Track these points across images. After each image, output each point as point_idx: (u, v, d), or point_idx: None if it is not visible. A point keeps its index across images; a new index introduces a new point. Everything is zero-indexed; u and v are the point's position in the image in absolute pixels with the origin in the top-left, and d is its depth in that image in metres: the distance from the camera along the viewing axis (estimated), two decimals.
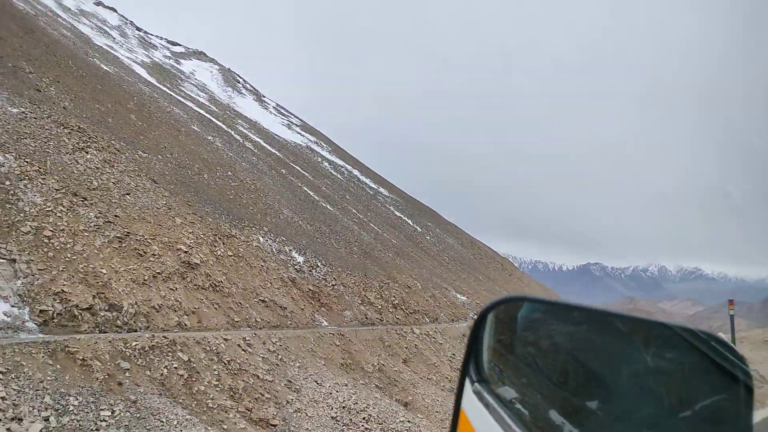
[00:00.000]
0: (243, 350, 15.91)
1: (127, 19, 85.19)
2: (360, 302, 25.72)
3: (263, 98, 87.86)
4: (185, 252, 17.61)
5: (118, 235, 15.76)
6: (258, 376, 15.30)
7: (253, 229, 24.18)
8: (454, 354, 27.09)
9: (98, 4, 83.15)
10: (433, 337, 27.26)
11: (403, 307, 28.34)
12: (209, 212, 22.29)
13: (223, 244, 20.35)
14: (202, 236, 19.41)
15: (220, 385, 13.76)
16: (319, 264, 25.63)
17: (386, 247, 40.44)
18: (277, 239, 25.06)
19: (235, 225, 22.88)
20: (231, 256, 20.20)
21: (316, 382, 17.12)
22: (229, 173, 31.68)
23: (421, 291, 32.95)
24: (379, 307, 26.39)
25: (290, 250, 24.94)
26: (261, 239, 23.95)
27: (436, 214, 79.88)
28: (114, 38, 66.35)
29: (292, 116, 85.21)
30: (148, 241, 16.57)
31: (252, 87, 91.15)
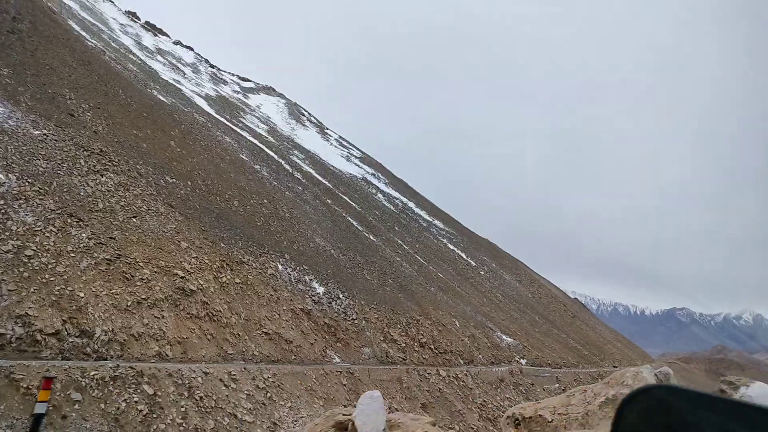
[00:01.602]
0: (225, 386, 14.79)
1: (202, 57, 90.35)
2: (382, 339, 24.09)
3: (326, 130, 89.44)
4: (182, 278, 16.94)
5: (107, 257, 15.31)
6: (236, 416, 14.07)
7: (273, 256, 23.40)
8: (485, 401, 24.66)
9: (177, 43, 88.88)
10: (463, 381, 25.00)
11: (431, 346, 26.34)
12: (225, 238, 21.76)
13: (231, 270, 19.60)
14: (207, 262, 18.76)
15: (184, 425, 12.64)
16: (341, 296, 24.37)
17: (429, 280, 38.58)
18: (298, 268, 24.11)
19: (251, 252, 22.18)
20: (239, 283, 19.39)
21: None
22: (265, 201, 31.44)
23: (458, 330, 30.75)
24: (404, 345, 24.59)
25: (311, 280, 23.88)
26: (280, 267, 23.10)
27: (495, 248, 76.77)
28: (185, 74, 70.11)
29: (353, 148, 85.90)
30: (140, 264, 16.04)
31: (316, 120, 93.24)
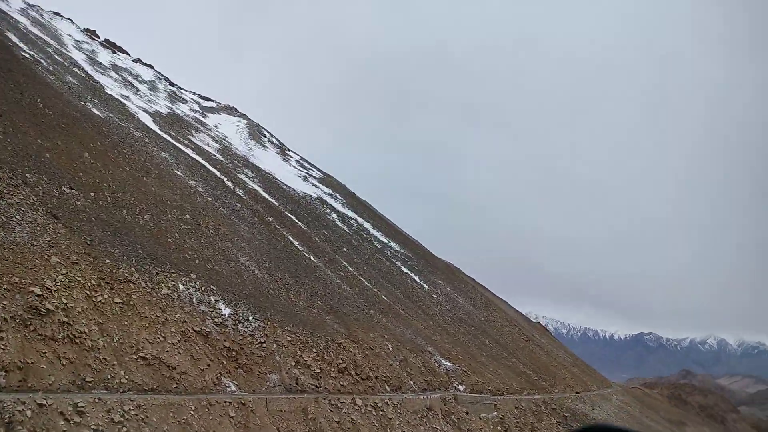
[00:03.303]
0: (66, 419, 12.96)
1: (162, 75, 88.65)
2: (293, 364, 22.38)
3: (288, 151, 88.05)
4: (38, 295, 15.15)
5: None
6: None
7: (174, 275, 21.65)
8: None
9: (136, 60, 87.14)
10: (382, 411, 23.35)
11: (352, 371, 24.69)
12: (115, 254, 19.99)
13: (111, 289, 17.84)
14: (79, 279, 16.98)
15: None
16: (250, 318, 22.66)
17: (370, 302, 37.02)
18: (204, 288, 22.39)
19: (145, 270, 20.43)
20: (118, 303, 17.62)
21: None
22: (187, 216, 29.72)
23: (389, 354, 29.16)
24: (318, 370, 22.90)
25: (216, 301, 22.16)
26: (180, 287, 21.35)
27: (454, 271, 75.68)
28: (138, 90, 68.32)
29: (313, 169, 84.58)
30: None
31: (278, 141, 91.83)
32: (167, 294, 20.02)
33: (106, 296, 17.31)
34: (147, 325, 17.80)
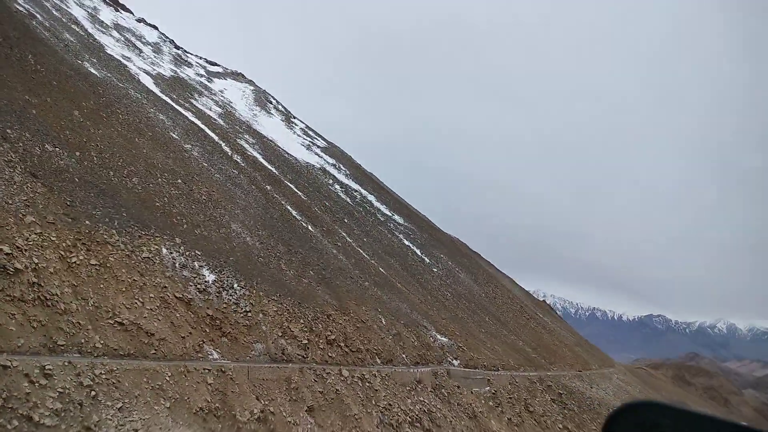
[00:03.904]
0: (31, 382, 12.51)
1: (167, 37, 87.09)
2: (280, 334, 21.92)
3: (292, 119, 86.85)
4: (7, 254, 14.59)
5: None
6: (31, 419, 11.82)
7: (158, 239, 21.07)
8: (390, 404, 22.65)
9: (140, 21, 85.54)
10: (369, 382, 22.96)
11: (342, 343, 24.25)
12: (96, 215, 19.39)
13: (87, 250, 17.28)
14: (53, 239, 16.41)
15: None
16: (235, 285, 22.13)
17: (366, 274, 36.49)
18: (189, 253, 21.82)
19: (127, 232, 19.84)
20: (94, 265, 17.08)
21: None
22: (179, 181, 29.05)
23: (382, 327, 28.70)
24: (305, 341, 22.44)
25: (200, 267, 21.61)
26: (164, 251, 20.79)
27: (458, 247, 75.06)
28: (141, 51, 67.08)
29: (318, 138, 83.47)
30: None
31: (284, 108, 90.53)
32: (148, 258, 19.47)
33: (81, 257, 16.76)
34: (124, 289, 17.27)
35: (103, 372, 14.19)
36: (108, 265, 17.56)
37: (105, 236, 18.55)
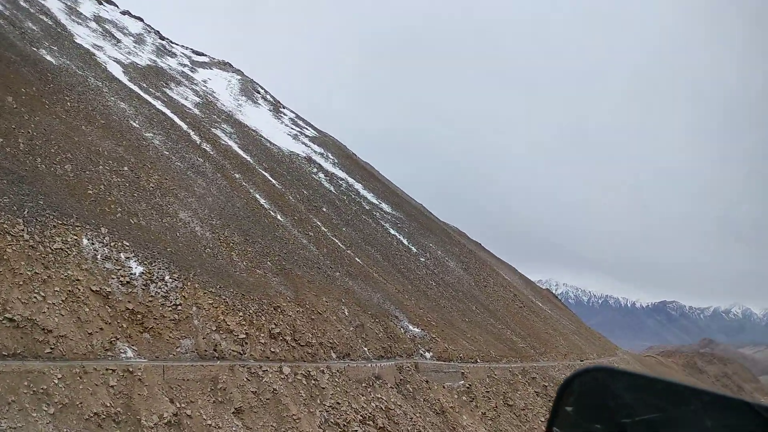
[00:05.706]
0: None
1: (152, 28, 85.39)
2: (214, 329, 20.19)
3: (281, 109, 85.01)
4: None
5: None
6: None
7: (78, 228, 19.39)
8: (338, 403, 20.89)
9: (125, 13, 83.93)
10: (315, 380, 21.19)
11: (288, 337, 22.48)
12: (4, 203, 17.74)
13: None
14: None
15: None
16: (166, 277, 20.40)
17: (338, 265, 34.71)
18: (115, 243, 20.12)
19: (41, 222, 18.17)
20: None
21: None
22: (125, 169, 27.36)
23: (342, 319, 26.92)
24: (242, 336, 20.71)
25: (127, 258, 19.91)
26: (85, 241, 19.11)
27: (450, 235, 73.01)
28: (119, 41, 65.43)
29: (307, 128, 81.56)
30: None
31: (273, 98, 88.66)
32: (60, 249, 17.79)
33: None
34: (21, 283, 15.61)
35: None
36: (4, 257, 15.89)
37: (6, 226, 16.88)
